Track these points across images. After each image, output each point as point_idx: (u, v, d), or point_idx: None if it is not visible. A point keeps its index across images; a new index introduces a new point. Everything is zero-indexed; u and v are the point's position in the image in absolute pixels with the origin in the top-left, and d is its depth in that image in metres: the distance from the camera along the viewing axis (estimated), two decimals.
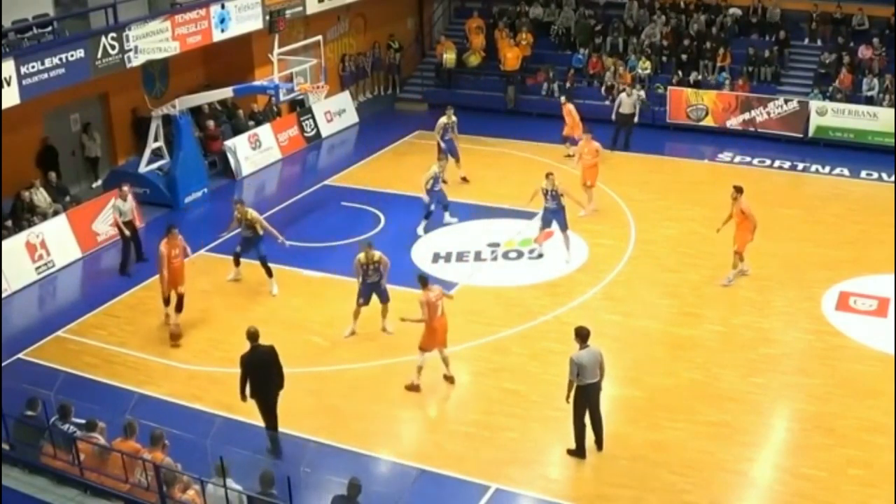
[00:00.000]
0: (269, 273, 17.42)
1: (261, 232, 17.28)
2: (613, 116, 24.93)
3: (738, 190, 17.30)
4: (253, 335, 12.84)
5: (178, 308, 16.17)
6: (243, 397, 12.88)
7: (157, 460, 10.50)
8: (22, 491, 10.70)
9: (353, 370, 15.06)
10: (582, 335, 12.62)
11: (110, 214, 19.03)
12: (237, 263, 17.80)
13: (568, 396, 12.62)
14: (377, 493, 11.80)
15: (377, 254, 15.62)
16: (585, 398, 12.58)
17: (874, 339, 15.55)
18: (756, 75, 26.87)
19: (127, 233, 18.65)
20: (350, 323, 15.92)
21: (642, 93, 26.46)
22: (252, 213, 17.35)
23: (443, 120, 22.51)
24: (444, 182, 20.59)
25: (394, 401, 14.24)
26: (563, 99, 25.02)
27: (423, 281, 14.48)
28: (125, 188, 18.85)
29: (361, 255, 15.61)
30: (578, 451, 12.77)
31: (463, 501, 12.11)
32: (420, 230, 19.91)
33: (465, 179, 22.68)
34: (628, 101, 24.69)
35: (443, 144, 22.53)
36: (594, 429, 12.79)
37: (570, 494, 12.22)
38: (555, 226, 18.46)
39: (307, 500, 10.39)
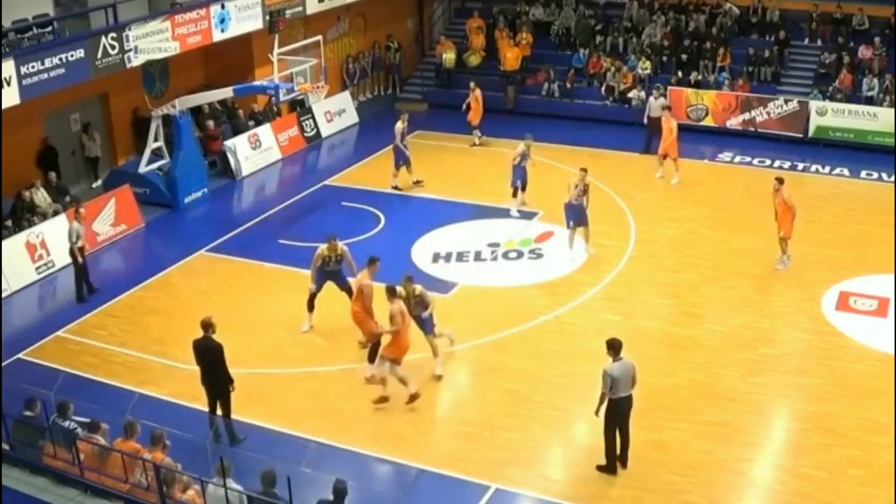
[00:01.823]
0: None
1: (342, 262, 16.03)
2: (645, 120, 24.72)
3: (780, 181, 17.63)
4: (204, 325, 13.06)
5: (373, 356, 14.55)
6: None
7: (157, 460, 10.50)
8: (22, 491, 10.70)
9: (353, 370, 15.05)
10: (615, 347, 12.17)
11: (75, 236, 17.28)
12: (312, 309, 16.07)
13: (598, 410, 12.27)
14: (377, 493, 11.83)
15: None
16: (617, 412, 12.24)
17: (874, 339, 15.54)
18: (756, 75, 26.87)
19: (80, 259, 17.44)
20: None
21: (643, 93, 26.49)
22: (342, 246, 16.18)
23: (399, 125, 22.11)
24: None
25: (394, 401, 14.21)
26: (472, 84, 25.13)
27: (393, 291, 13.82)
28: (81, 209, 17.96)
29: None
30: (609, 468, 12.42)
31: (463, 501, 12.10)
32: (513, 211, 20.70)
33: (397, 188, 22.37)
34: (657, 105, 24.42)
35: (406, 151, 22.15)
36: (622, 445, 12.49)
37: (570, 494, 12.20)
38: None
39: (307, 501, 10.37)
